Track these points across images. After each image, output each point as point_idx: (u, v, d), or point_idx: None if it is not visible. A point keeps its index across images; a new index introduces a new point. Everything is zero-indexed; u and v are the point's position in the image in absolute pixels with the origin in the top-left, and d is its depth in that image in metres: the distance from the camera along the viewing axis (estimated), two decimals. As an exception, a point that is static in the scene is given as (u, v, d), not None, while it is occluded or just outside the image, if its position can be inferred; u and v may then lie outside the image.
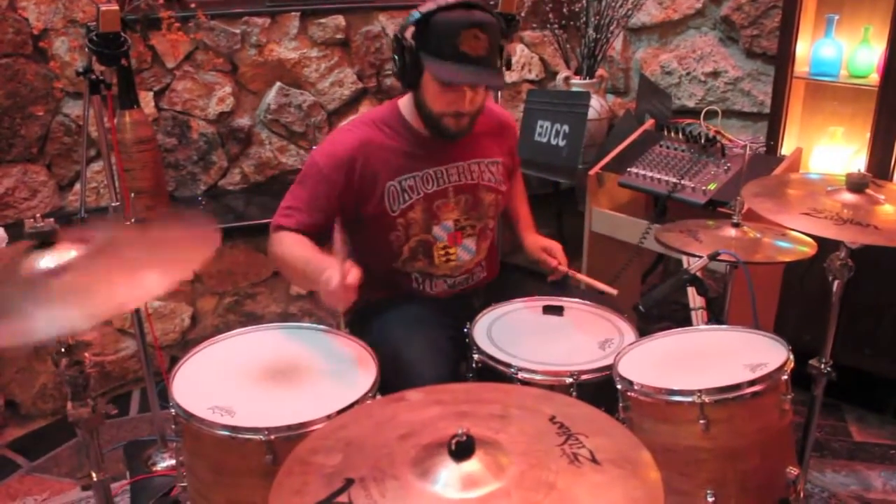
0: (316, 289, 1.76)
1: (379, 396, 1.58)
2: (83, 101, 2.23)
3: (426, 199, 1.96)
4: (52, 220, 1.23)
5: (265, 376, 1.63)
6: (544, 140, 3.13)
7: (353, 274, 1.61)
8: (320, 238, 1.90)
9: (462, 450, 1.02)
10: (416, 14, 1.80)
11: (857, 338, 2.61)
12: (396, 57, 1.86)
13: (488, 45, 1.78)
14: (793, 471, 1.56)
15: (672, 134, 2.77)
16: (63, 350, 1.28)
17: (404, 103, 1.99)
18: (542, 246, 2.17)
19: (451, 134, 1.92)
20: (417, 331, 1.90)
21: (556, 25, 3.38)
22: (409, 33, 1.82)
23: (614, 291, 2.08)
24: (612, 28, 3.27)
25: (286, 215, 1.91)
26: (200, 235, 1.44)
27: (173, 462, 2.44)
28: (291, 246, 1.86)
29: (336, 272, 1.59)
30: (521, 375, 1.70)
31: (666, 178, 2.61)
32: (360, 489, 1.01)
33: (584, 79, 3.31)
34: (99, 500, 1.42)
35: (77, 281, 1.19)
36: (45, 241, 1.23)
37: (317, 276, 1.68)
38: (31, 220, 1.21)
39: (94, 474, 1.38)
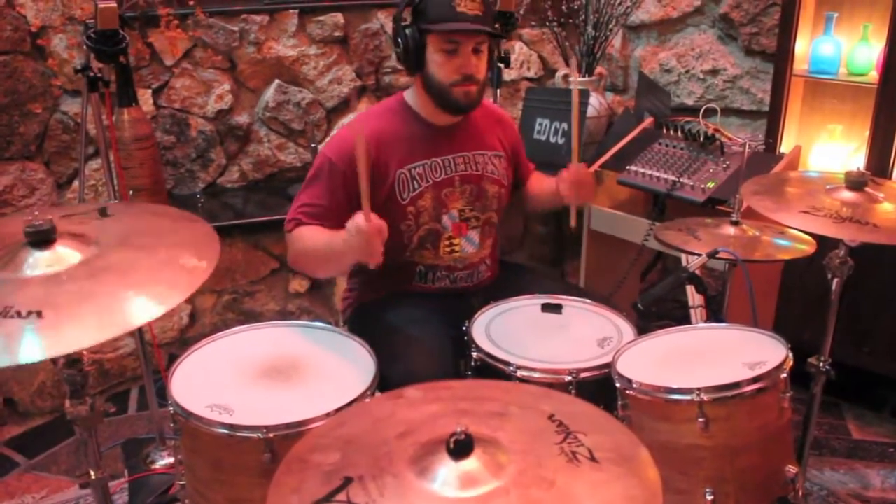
0: (347, 262, 1.81)
1: (378, 395, 1.58)
2: (81, 99, 2.23)
3: (435, 187, 1.99)
4: (50, 217, 1.23)
5: (263, 374, 1.63)
6: (543, 138, 3.12)
7: (375, 218, 1.64)
8: None
9: (461, 448, 1.02)
10: None
11: (857, 336, 2.61)
12: (399, 39, 1.90)
13: (482, 6, 1.86)
14: (791, 469, 1.56)
15: (671, 132, 2.77)
16: (61, 348, 1.27)
17: (409, 94, 2.03)
18: (563, 176, 2.03)
19: (461, 106, 1.94)
20: (416, 329, 1.90)
21: (554, 23, 3.37)
22: (406, 13, 1.88)
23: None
24: (611, 26, 3.26)
25: (304, 213, 1.91)
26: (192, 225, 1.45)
27: (172, 460, 2.45)
28: (312, 237, 1.88)
29: (360, 218, 1.63)
30: (519, 374, 1.69)
31: (665, 175, 2.61)
32: (359, 487, 1.01)
33: (584, 76, 3.31)
34: (97, 498, 1.42)
35: (74, 289, 1.19)
36: (44, 240, 1.22)
37: (341, 243, 1.71)
38: (30, 217, 1.21)
39: (92, 473, 1.37)
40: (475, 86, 1.92)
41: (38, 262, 1.22)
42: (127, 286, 1.22)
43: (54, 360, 1.27)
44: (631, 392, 1.57)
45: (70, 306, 1.15)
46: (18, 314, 1.11)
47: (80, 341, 1.10)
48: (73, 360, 1.28)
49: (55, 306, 1.14)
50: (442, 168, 2.00)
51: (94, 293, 1.19)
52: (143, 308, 1.18)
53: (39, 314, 1.11)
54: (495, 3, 1.94)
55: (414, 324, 1.93)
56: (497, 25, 1.97)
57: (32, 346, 1.08)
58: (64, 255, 1.24)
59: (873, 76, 2.59)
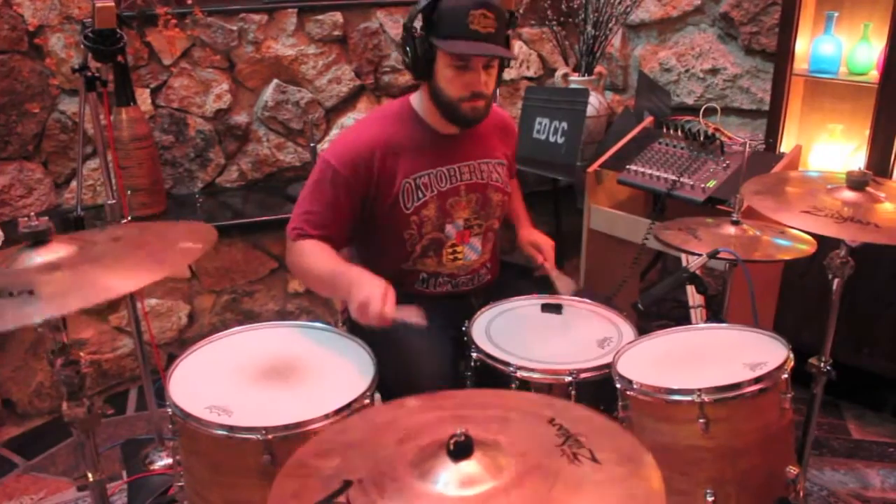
0: (341, 298, 1.78)
1: (377, 395, 1.57)
2: (79, 99, 2.22)
3: (440, 197, 1.96)
4: (45, 218, 1.23)
5: (262, 375, 1.63)
6: (543, 137, 3.12)
7: (391, 298, 1.66)
8: (340, 246, 1.93)
9: (461, 450, 1.01)
10: (423, 1, 1.81)
11: (857, 336, 2.60)
12: (408, 48, 1.87)
13: (496, 23, 1.82)
14: (792, 470, 1.55)
15: (671, 131, 2.76)
16: (58, 349, 1.27)
17: (415, 99, 2.00)
18: (532, 241, 2.16)
19: (469, 120, 1.91)
20: (416, 329, 1.88)
21: (554, 22, 3.37)
22: (417, 22, 1.84)
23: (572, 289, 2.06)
24: (610, 25, 3.26)
25: (308, 222, 1.90)
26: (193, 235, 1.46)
27: (171, 461, 2.44)
28: (315, 256, 1.87)
29: (378, 295, 1.65)
30: (519, 374, 1.69)
31: (665, 175, 2.60)
32: (359, 491, 1.00)
33: (583, 76, 3.31)
34: (95, 500, 1.41)
35: (66, 275, 1.22)
36: (40, 240, 1.23)
37: (346, 287, 1.73)
38: (25, 218, 1.21)
39: (89, 475, 1.37)
40: (484, 101, 1.89)
41: (35, 259, 1.25)
42: (117, 263, 1.26)
43: (52, 362, 1.26)
44: (631, 393, 1.56)
45: (61, 284, 1.18)
46: (10, 294, 1.14)
47: (69, 305, 1.13)
48: (70, 361, 1.27)
49: (47, 286, 1.17)
50: (447, 177, 1.98)
51: (85, 272, 1.22)
52: (130, 278, 1.23)
53: (31, 292, 1.14)
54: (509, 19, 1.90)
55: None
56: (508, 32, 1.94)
57: (23, 313, 1.12)
58: (59, 252, 1.25)
59: (874, 75, 2.58)
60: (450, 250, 2.02)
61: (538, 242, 2.16)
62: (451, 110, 1.89)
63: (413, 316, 1.66)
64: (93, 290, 1.17)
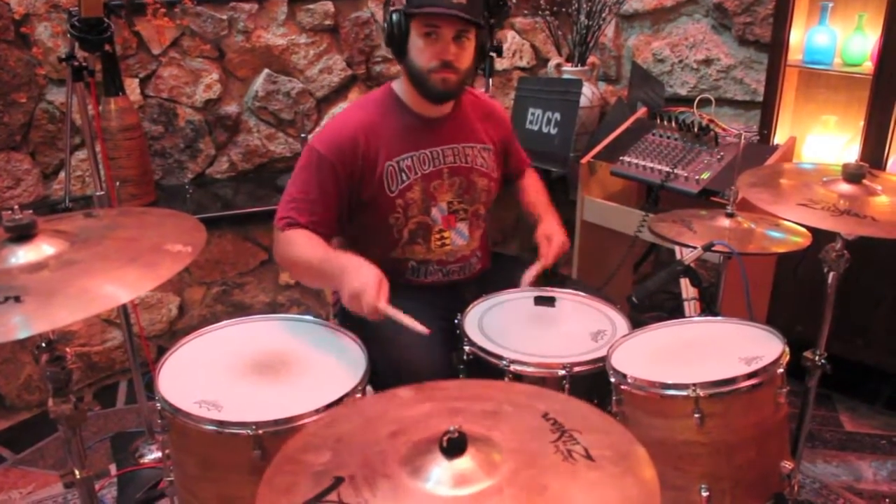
0: (332, 287, 1.76)
1: (369, 389, 1.56)
2: (67, 88, 2.19)
3: (423, 180, 1.96)
4: (30, 211, 1.21)
5: (253, 369, 1.61)
6: (535, 128, 3.10)
7: (385, 289, 1.67)
8: (329, 233, 1.91)
9: (454, 447, 1.00)
10: None
11: (850, 328, 2.60)
12: (385, 24, 1.88)
13: None
14: (787, 465, 1.55)
15: (665, 122, 2.75)
16: (44, 345, 1.25)
17: (397, 84, 2.01)
18: (547, 234, 2.09)
19: (439, 93, 1.90)
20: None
21: (547, 12, 3.35)
22: None
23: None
24: (604, 15, 3.24)
25: (296, 209, 1.88)
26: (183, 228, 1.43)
27: (160, 454, 2.42)
28: (304, 246, 1.85)
29: (372, 284, 1.65)
30: (512, 368, 1.67)
31: (659, 166, 2.59)
32: (350, 488, 0.99)
33: (576, 66, 3.29)
34: (82, 497, 1.39)
35: (54, 276, 1.18)
36: (24, 235, 1.20)
37: (337, 274, 1.72)
38: (9, 211, 1.18)
39: (76, 472, 1.35)
40: (454, 74, 1.87)
41: (20, 257, 1.21)
42: (107, 269, 1.22)
43: (37, 358, 1.24)
44: (626, 387, 1.55)
45: (50, 290, 1.14)
46: None
47: (60, 319, 1.09)
48: (56, 357, 1.25)
49: (34, 291, 1.13)
50: (430, 160, 1.97)
51: (74, 277, 1.18)
52: (121, 288, 1.18)
53: (17, 299, 1.10)
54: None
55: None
56: (492, 20, 1.93)
57: (10, 327, 1.07)
58: (46, 249, 1.23)
59: (868, 66, 2.57)
60: (437, 236, 2.01)
61: (551, 236, 2.08)
62: (421, 82, 1.88)
63: (414, 323, 1.63)
64: (83, 299, 1.13)
